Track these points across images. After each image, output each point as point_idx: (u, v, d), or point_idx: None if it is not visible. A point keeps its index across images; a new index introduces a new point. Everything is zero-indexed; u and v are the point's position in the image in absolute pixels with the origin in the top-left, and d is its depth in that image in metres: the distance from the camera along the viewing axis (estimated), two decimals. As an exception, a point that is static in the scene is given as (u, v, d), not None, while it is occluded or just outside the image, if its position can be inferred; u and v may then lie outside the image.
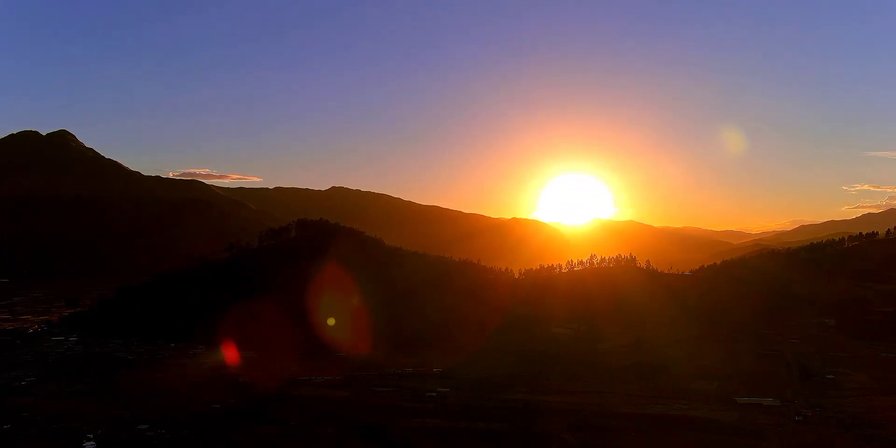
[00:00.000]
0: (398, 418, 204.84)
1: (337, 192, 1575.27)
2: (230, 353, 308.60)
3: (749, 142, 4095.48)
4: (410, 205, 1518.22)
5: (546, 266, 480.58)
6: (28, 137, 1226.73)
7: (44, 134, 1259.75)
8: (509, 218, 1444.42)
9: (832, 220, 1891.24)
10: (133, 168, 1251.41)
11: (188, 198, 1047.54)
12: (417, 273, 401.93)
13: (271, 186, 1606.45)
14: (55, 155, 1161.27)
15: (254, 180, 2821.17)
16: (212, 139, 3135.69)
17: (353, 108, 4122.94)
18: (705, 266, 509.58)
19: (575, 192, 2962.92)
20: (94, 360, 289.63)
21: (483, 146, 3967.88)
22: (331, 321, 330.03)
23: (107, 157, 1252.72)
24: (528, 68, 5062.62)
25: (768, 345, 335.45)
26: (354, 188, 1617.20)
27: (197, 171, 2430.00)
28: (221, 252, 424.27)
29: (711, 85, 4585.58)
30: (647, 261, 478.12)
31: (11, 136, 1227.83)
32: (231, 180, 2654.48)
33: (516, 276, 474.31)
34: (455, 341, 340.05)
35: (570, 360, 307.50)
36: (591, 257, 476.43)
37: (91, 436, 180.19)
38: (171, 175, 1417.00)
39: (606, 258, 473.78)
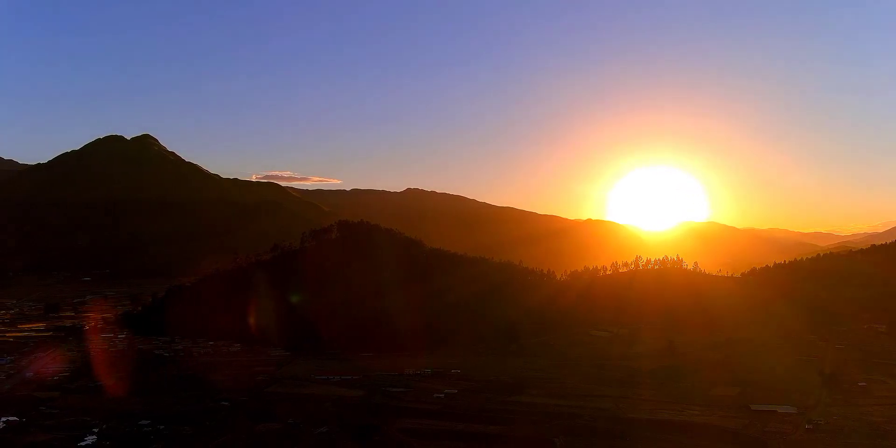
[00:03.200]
0: (396, 419, 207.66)
1: (412, 194, 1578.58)
2: (261, 351, 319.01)
3: (841, 139, 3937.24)
4: (484, 206, 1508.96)
5: (591, 268, 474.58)
6: (113, 141, 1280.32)
7: (128, 138, 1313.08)
8: (584, 219, 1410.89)
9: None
10: (221, 170, 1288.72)
11: (262, 199, 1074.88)
12: (454, 274, 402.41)
13: (349, 189, 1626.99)
14: (138, 158, 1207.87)
15: (334, 182, 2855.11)
16: (295, 142, 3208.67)
17: (431, 111, 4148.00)
18: (757, 268, 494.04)
19: (665, 192, 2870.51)
20: (131, 356, 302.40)
21: (559, 145, 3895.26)
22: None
23: (187, 160, 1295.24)
24: (609, 64, 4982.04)
25: (810, 350, 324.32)
26: (430, 190, 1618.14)
27: (279, 173, 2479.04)
28: (266, 252, 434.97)
29: (806, 81, 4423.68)
30: (695, 263, 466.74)
31: (98, 140, 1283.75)
32: (312, 182, 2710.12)
33: (559, 277, 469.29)
34: (485, 343, 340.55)
35: (597, 363, 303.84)
36: (637, 259, 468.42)
37: (96, 430, 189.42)
38: (254, 177, 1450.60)
39: (652, 260, 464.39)
